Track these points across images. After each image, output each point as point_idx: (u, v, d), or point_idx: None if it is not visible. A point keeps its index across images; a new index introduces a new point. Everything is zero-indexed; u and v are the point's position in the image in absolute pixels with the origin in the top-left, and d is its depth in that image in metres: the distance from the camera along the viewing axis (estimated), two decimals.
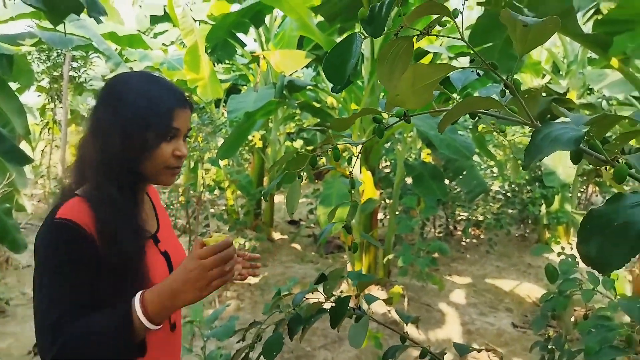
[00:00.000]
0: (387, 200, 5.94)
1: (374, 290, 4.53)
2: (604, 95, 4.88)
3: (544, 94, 2.82)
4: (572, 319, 3.44)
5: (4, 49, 4.07)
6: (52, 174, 8.01)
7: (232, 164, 6.96)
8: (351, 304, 1.02)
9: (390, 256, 4.60)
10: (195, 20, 5.73)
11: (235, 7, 5.43)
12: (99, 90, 1.08)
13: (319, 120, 5.52)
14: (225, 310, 3.93)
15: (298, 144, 9.16)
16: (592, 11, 3.05)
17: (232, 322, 2.19)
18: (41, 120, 8.58)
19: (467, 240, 6.74)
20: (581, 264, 0.61)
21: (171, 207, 5.71)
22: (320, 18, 4.03)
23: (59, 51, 6.86)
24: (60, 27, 2.84)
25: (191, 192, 5.66)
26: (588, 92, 5.71)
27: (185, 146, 1.08)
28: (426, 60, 4.36)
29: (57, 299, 0.91)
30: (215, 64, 5.91)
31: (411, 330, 3.68)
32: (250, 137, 6.34)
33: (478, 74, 0.81)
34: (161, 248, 1.12)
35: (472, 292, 4.77)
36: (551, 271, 1.45)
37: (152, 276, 1.01)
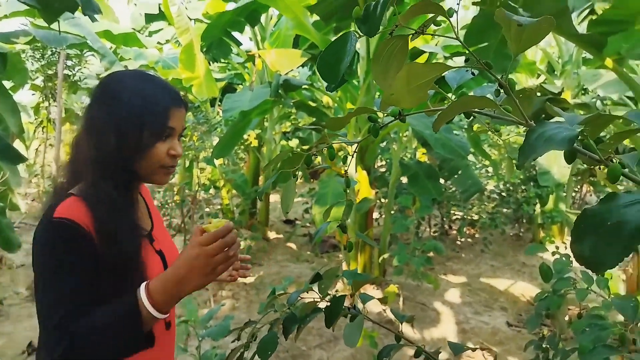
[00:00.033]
0: (383, 200, 5.95)
1: (369, 290, 4.54)
2: (599, 95, 4.90)
3: (538, 94, 2.83)
4: (566, 318, 3.45)
5: None
6: (46, 173, 7.97)
7: (228, 163, 6.95)
8: (346, 303, 1.02)
9: (386, 255, 4.61)
10: (190, 19, 5.72)
11: (230, 6, 5.42)
12: (93, 89, 1.07)
13: (314, 119, 5.52)
14: (220, 310, 3.92)
15: (294, 143, 9.15)
16: (586, 11, 3.07)
17: (227, 322, 2.19)
18: (35, 119, 8.53)
19: (462, 239, 6.76)
20: (575, 263, 0.62)
21: (166, 206, 5.70)
22: (316, 17, 4.03)
23: (54, 49, 6.82)
24: (54, 25, 2.83)
25: (186, 191, 5.65)
26: (582, 92, 5.73)
27: (180, 145, 1.07)
28: (422, 59, 4.37)
29: (60, 298, 0.91)
30: (211, 62, 5.90)
31: (406, 329, 3.69)
32: (245, 136, 6.32)
33: (473, 73, 0.81)
34: (156, 247, 1.12)
35: (467, 291, 4.78)
36: (545, 270, 1.45)
37: (149, 275, 1.01)
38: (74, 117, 8.55)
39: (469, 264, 5.73)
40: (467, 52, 0.67)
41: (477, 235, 6.85)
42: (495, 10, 0.61)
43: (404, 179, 5.07)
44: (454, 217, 7.04)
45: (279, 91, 4.50)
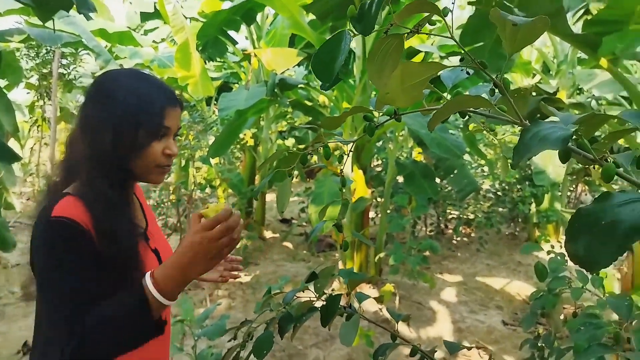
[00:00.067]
0: (379, 199, 5.96)
1: (365, 289, 4.54)
2: (594, 95, 4.92)
3: (533, 94, 2.84)
4: (562, 317, 3.46)
5: None
6: (41, 172, 7.92)
7: (224, 162, 6.93)
8: (342, 303, 1.02)
9: (382, 254, 4.62)
10: (186, 18, 5.70)
11: (226, 5, 5.42)
12: (88, 87, 1.07)
13: (310, 118, 5.52)
14: (217, 309, 3.92)
15: (290, 142, 9.15)
16: (581, 11, 3.08)
17: (223, 321, 2.18)
18: (30, 118, 8.46)
19: (458, 238, 6.77)
20: (570, 263, 0.62)
21: (162, 205, 5.68)
22: (312, 16, 4.02)
23: (48, 48, 6.78)
24: (49, 24, 2.81)
25: (182, 190, 5.63)
26: (578, 91, 5.76)
27: (175, 145, 1.07)
28: (418, 59, 4.37)
29: (66, 294, 0.91)
30: (207, 61, 5.88)
31: (402, 328, 3.69)
32: (241, 136, 6.32)
33: (468, 72, 0.81)
34: (151, 245, 1.12)
35: (462, 290, 4.79)
36: (540, 269, 1.46)
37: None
38: (69, 116, 8.51)
39: (465, 263, 5.75)
40: (462, 51, 0.67)
41: (472, 235, 6.87)
42: (491, 10, 0.61)
43: (400, 178, 5.07)
44: (450, 217, 7.06)
45: (275, 90, 4.49)
